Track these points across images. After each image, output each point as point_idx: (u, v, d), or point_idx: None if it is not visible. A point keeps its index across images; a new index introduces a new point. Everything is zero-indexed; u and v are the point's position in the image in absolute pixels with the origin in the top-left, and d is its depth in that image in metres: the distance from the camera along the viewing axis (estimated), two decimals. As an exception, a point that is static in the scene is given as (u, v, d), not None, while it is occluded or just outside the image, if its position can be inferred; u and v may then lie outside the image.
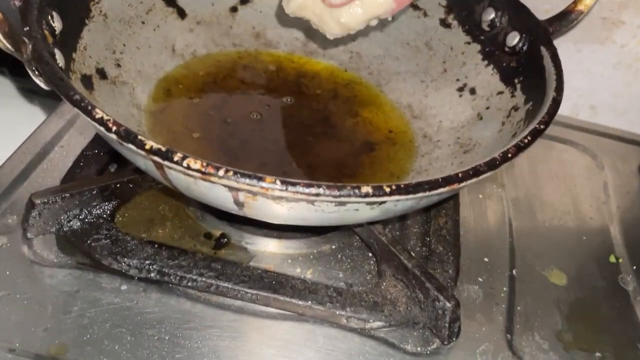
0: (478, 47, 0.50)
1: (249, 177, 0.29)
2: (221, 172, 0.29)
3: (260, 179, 0.29)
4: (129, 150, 0.30)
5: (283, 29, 0.56)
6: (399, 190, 0.30)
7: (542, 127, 0.36)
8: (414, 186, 0.30)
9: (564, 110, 0.69)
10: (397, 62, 0.54)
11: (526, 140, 0.35)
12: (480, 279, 0.45)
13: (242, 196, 0.31)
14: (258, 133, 0.47)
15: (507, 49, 0.47)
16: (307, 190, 0.29)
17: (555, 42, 0.64)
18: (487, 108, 0.47)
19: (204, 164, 0.29)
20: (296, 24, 0.56)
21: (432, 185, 0.31)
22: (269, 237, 0.44)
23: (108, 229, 0.40)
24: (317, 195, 0.29)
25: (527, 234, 0.50)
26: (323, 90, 0.53)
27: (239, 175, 0.29)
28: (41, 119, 0.50)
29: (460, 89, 0.50)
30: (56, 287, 0.38)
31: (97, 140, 0.47)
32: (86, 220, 0.40)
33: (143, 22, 0.49)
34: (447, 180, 0.31)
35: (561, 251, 0.49)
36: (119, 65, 0.45)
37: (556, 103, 0.38)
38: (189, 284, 0.39)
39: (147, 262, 0.39)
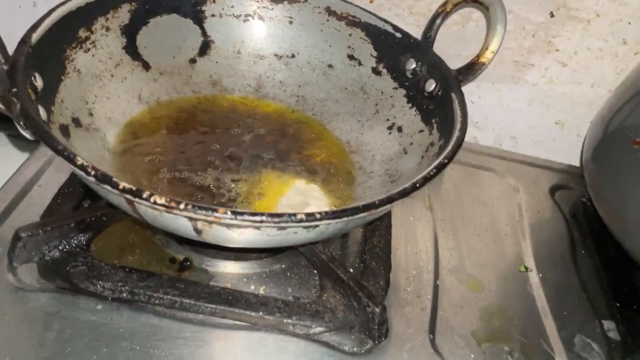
0: (403, 91, 0.56)
1: (206, 209, 0.35)
2: (182, 206, 0.35)
3: (214, 210, 0.35)
4: (105, 190, 0.36)
5: (237, 77, 0.62)
6: (328, 216, 0.37)
7: (446, 161, 0.43)
8: (339, 212, 0.37)
9: (488, 141, 0.78)
10: (337, 104, 0.60)
11: (432, 173, 0.42)
12: (408, 289, 0.52)
13: (200, 225, 0.37)
14: (213, 165, 0.52)
15: (426, 94, 0.53)
16: (252, 218, 0.35)
17: (476, 82, 0.74)
18: (411, 144, 0.52)
19: (168, 199, 0.35)
20: (249, 72, 0.62)
21: (354, 211, 0.37)
22: (227, 260, 0.49)
23: (84, 257, 0.45)
24: (262, 222, 0.36)
25: (450, 250, 0.57)
26: (273, 128, 0.59)
27: (197, 208, 0.35)
28: (21, 160, 0.55)
29: (390, 128, 0.55)
30: (39, 308, 0.43)
31: (73, 178, 0.52)
32: (65, 250, 0.45)
33: (112, 75, 0.54)
34: (367, 207, 0.38)
35: (479, 263, 0.56)
36: (91, 114, 0.50)
37: (459, 141, 0.45)
38: (157, 301, 0.44)
39: (119, 284, 0.44)
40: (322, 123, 0.60)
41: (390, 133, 0.55)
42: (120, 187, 0.35)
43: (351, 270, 0.50)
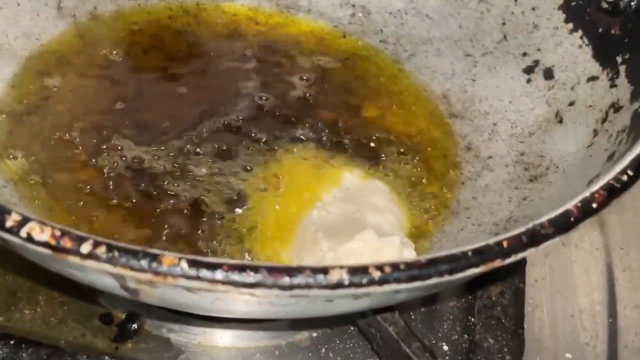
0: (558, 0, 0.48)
1: (134, 255, 0.26)
2: (85, 248, 0.26)
3: (153, 258, 0.26)
4: None
5: (242, -32, 0.55)
6: (397, 276, 0.27)
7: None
8: (422, 266, 0.28)
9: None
10: (427, 22, 0.54)
11: (625, 177, 0.32)
12: (558, 391, 0.43)
13: (131, 282, 0.29)
14: (194, 143, 0.46)
15: (605, 6, 0.46)
16: (235, 279, 0.27)
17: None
18: (571, 104, 0.45)
19: (57, 232, 0.26)
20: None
21: (456, 264, 0.28)
22: (207, 322, 0.42)
23: None
24: (254, 285, 0.27)
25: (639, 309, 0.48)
26: (305, 68, 0.52)
27: (115, 253, 0.26)
28: None
29: (529, 70, 0.49)
30: None
31: None
32: None
33: (7, -35, 0.48)
34: (483, 255, 0.29)
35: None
36: None
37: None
38: (63, 410, 0.37)
39: None
40: (397, 58, 0.54)
41: (529, 80, 0.49)
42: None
43: (446, 350, 0.43)
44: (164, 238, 0.40)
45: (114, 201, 0.42)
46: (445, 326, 0.44)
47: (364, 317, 0.40)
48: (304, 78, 0.51)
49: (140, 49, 0.51)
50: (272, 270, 0.27)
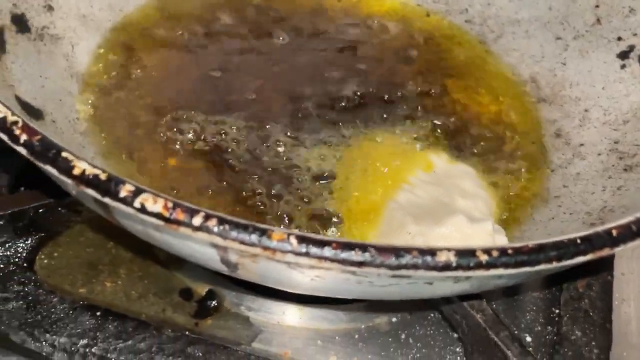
0: (659, -21, 0.48)
1: (245, 229, 0.28)
2: (197, 220, 0.28)
3: (263, 233, 0.28)
4: (50, 173, 0.30)
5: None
6: (505, 261, 0.29)
7: None
8: (531, 251, 0.29)
9: None
10: (515, 2, 0.54)
11: None
12: (648, 389, 0.43)
13: (233, 256, 0.30)
14: (279, 121, 0.47)
15: None
16: (343, 257, 0.28)
17: None
18: None
19: (169, 204, 0.28)
20: None
21: (564, 251, 0.30)
22: (286, 302, 0.44)
23: (22, 282, 0.41)
24: (361, 264, 0.28)
25: None
26: (388, 47, 0.53)
27: (226, 227, 0.28)
28: None
29: (624, 55, 0.49)
30: None
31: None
32: (-12, 267, 0.41)
33: None
34: (592, 243, 0.30)
35: None
36: (50, 8, 0.46)
37: None
38: (150, 380, 0.39)
39: (83, 341, 0.39)
40: (484, 39, 0.55)
41: (624, 66, 0.49)
42: (77, 171, 0.29)
43: (529, 341, 0.43)
44: (249, 214, 0.41)
45: (203, 176, 0.43)
46: (528, 317, 0.45)
47: (449, 303, 0.41)
48: (387, 58, 0.52)
49: (221, 23, 0.52)
50: (380, 250, 0.28)
